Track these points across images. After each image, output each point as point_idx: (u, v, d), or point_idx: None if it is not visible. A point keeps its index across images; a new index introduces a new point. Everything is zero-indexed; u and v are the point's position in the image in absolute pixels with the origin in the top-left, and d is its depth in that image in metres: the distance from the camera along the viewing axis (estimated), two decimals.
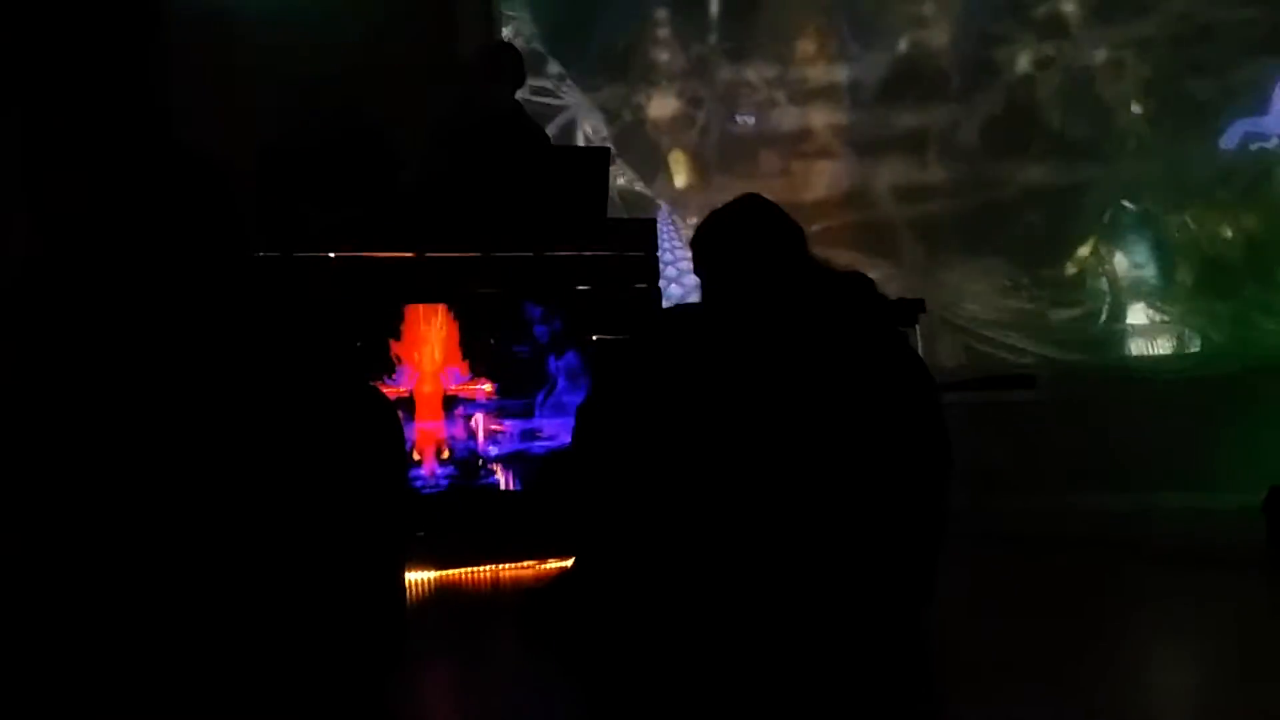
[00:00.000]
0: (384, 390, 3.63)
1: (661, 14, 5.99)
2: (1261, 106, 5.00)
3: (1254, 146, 5.01)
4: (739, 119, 5.79)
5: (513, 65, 4.40)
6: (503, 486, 3.83)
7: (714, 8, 5.96)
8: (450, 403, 3.79)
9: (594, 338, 3.83)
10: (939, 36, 5.57)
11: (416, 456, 3.74)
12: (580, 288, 3.90)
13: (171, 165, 2.01)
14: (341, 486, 2.01)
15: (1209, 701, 2.23)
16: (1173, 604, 3.09)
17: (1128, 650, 2.62)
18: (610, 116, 6.03)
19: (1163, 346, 5.22)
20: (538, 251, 3.89)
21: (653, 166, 5.99)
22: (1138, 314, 5.30)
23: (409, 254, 3.79)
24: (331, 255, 3.70)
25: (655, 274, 3.98)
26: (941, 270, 5.48)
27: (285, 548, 1.96)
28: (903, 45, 5.63)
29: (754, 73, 5.83)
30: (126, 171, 2.00)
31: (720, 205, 2.77)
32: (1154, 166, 5.24)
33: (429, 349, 3.77)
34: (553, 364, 3.89)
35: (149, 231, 1.95)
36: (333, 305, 3.59)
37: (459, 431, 3.80)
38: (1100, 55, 5.33)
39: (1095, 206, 5.35)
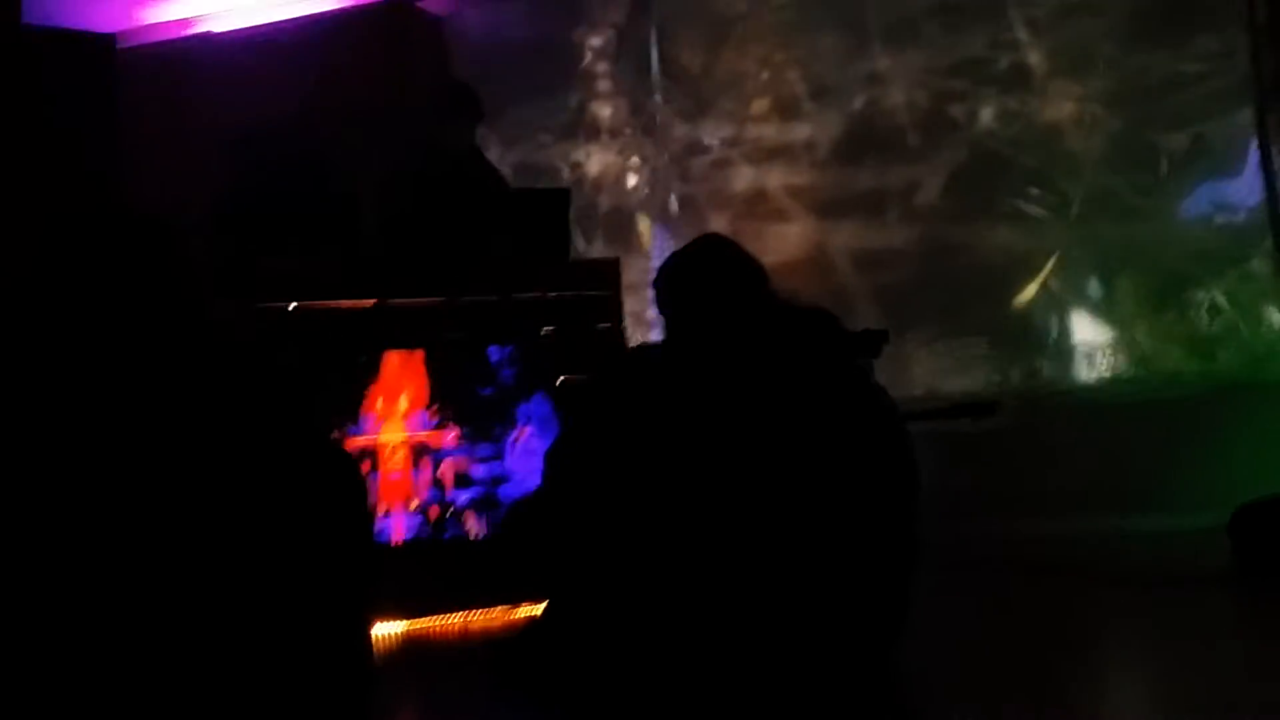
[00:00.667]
0: (349, 440, 3.60)
1: (599, 67, 5.90)
2: (1230, 166, 5.09)
3: (1221, 221, 5.08)
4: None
5: (471, 103, 4.40)
6: (471, 534, 3.80)
7: (652, 62, 5.88)
8: (417, 450, 3.76)
9: (560, 379, 3.81)
10: (896, 94, 5.57)
11: (384, 507, 3.70)
12: (545, 329, 3.89)
13: (116, 226, 2.00)
14: (301, 543, 1.99)
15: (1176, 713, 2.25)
16: (1140, 627, 3.11)
17: (1095, 674, 2.64)
18: (539, 174, 5.92)
19: (1123, 371, 5.27)
20: (501, 295, 3.88)
21: (588, 227, 5.89)
22: (1097, 341, 5.35)
23: (371, 301, 3.77)
24: (292, 305, 3.67)
25: (619, 314, 3.98)
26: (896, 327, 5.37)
27: (246, 608, 1.93)
28: (859, 103, 5.60)
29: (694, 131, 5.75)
30: (73, 233, 1.99)
31: (682, 245, 2.78)
32: (1108, 204, 5.30)
33: (393, 396, 3.75)
34: (520, 407, 3.87)
35: (96, 293, 1.94)
36: (293, 356, 3.56)
37: (426, 479, 3.77)
38: (1063, 110, 5.36)
39: (1051, 246, 5.39)
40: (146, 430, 1.91)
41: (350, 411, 3.66)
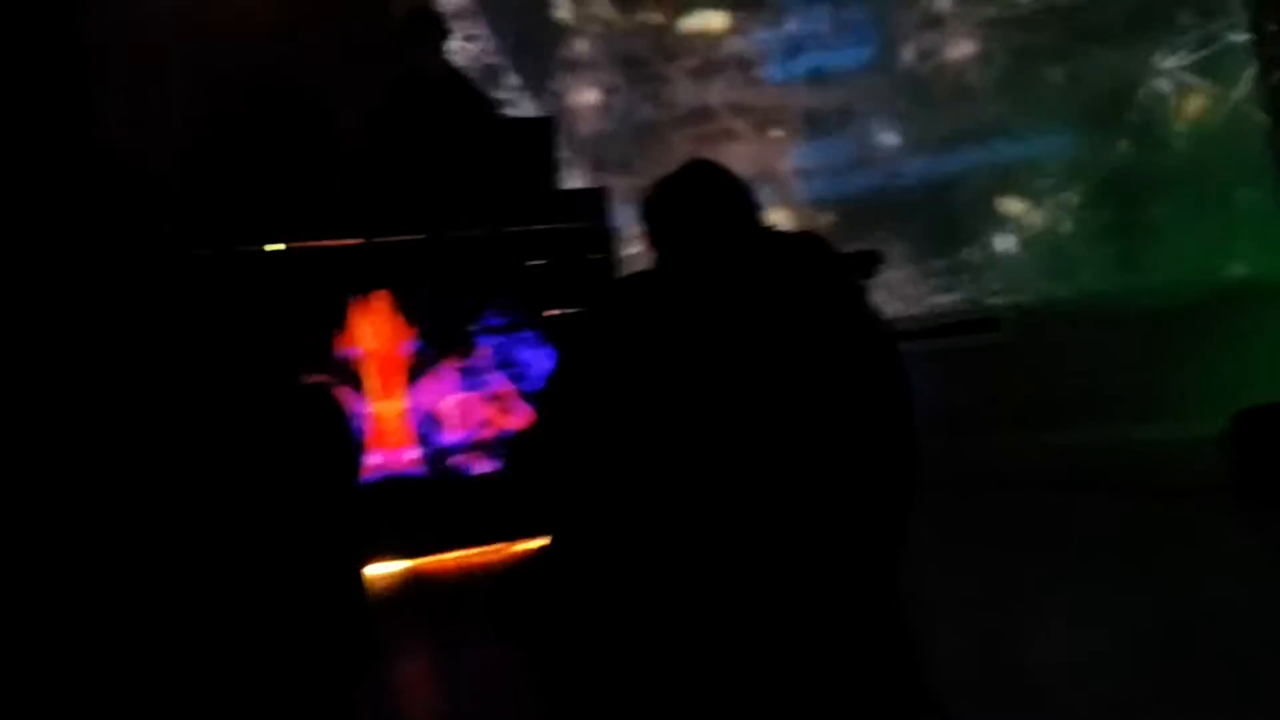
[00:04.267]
0: (337, 384, 3.56)
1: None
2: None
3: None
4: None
5: (434, 27, 4.28)
6: (469, 471, 3.78)
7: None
8: (412, 386, 3.73)
9: (551, 313, 3.77)
10: None
11: (379, 447, 3.68)
12: (533, 263, 3.83)
13: (82, 170, 1.94)
14: (284, 490, 1.96)
15: (1172, 629, 2.25)
16: (1140, 536, 3.11)
17: (1096, 583, 2.64)
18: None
19: (1122, 281, 5.23)
20: (488, 229, 3.81)
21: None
22: (1094, 251, 5.30)
23: (355, 240, 3.71)
24: (279, 247, 3.61)
25: (609, 243, 3.92)
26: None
27: (233, 557, 1.90)
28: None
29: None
30: (40, 176, 1.93)
31: (669, 172, 2.71)
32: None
33: (383, 338, 3.71)
34: (513, 343, 3.83)
35: (61, 240, 1.89)
36: (273, 299, 3.52)
37: (423, 418, 3.74)
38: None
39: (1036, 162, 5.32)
40: (117, 383, 1.87)
41: (336, 353, 3.63)
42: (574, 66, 5.73)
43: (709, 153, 4.86)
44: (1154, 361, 4.74)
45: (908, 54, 5.42)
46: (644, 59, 5.64)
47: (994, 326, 4.97)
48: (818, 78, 5.43)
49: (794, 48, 5.48)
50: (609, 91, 5.67)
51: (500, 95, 5.15)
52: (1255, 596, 2.48)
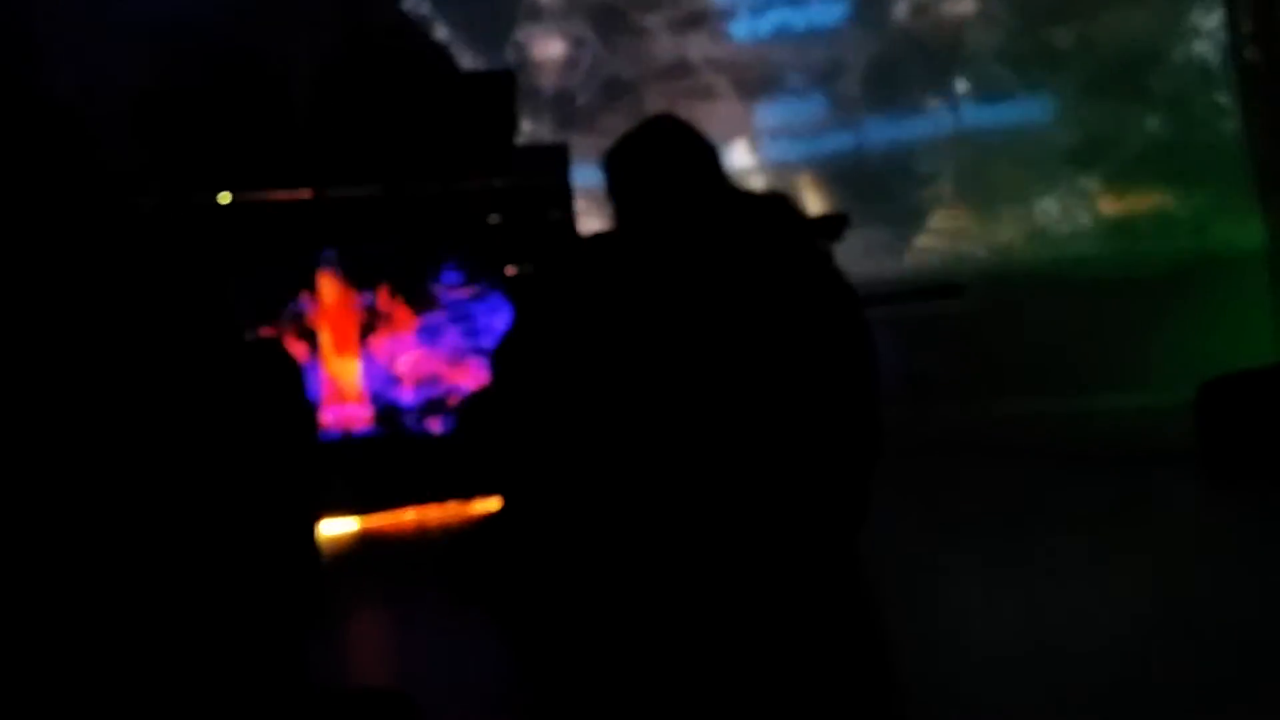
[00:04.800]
0: (290, 338, 3.48)
1: None
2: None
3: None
4: None
5: None
6: (423, 429, 3.72)
7: None
8: (366, 343, 3.65)
9: (510, 270, 3.69)
10: None
11: (334, 403, 3.60)
12: (492, 219, 3.75)
13: (15, 115, 1.84)
14: (233, 447, 1.88)
15: (1135, 596, 2.24)
16: (1104, 505, 3.10)
17: (1059, 552, 2.63)
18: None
19: (1090, 249, 5.21)
20: (445, 184, 3.72)
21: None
22: (1063, 217, 5.27)
23: (307, 193, 3.61)
24: (226, 198, 3.51)
25: (570, 202, 3.83)
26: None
27: (182, 515, 1.83)
28: None
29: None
30: None
31: (632, 127, 2.64)
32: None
33: (336, 293, 3.62)
34: (469, 301, 3.76)
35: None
36: (225, 251, 3.42)
37: (378, 376, 3.67)
38: None
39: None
40: (57, 336, 1.78)
41: (288, 308, 3.54)
42: (538, 15, 5.61)
43: (682, 110, 4.77)
44: (1123, 330, 4.73)
45: (900, 10, 5.31)
46: (616, 9, 5.52)
47: (956, 293, 4.94)
48: (801, 34, 5.33)
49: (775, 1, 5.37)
50: (577, 44, 5.55)
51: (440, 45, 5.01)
52: (1212, 567, 2.46)
